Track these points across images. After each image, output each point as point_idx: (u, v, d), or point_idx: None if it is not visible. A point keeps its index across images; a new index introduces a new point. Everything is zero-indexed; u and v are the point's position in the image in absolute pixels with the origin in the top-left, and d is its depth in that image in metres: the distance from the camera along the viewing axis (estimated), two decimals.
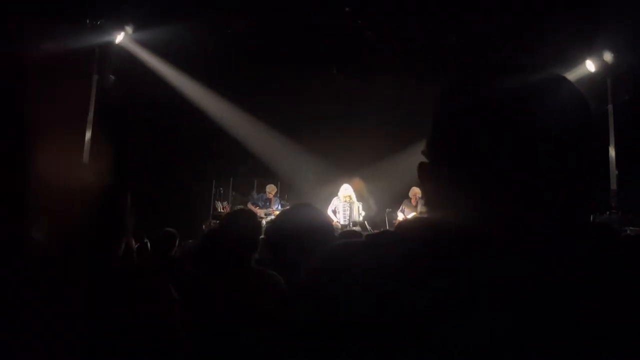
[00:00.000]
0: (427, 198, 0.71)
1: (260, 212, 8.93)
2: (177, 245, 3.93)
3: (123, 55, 8.49)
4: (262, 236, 2.56)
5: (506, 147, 0.61)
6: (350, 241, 0.71)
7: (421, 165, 0.71)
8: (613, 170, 7.94)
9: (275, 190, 9.36)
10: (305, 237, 1.60)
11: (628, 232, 6.73)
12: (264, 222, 8.82)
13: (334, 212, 8.71)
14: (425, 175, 0.70)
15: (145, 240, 4.00)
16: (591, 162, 0.64)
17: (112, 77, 8.37)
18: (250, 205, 9.09)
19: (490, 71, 0.69)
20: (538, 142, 0.61)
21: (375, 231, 8.74)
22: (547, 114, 0.62)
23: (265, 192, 9.39)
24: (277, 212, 9.06)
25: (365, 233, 7.62)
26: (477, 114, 0.64)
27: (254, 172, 10.19)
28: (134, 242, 3.09)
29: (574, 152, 0.62)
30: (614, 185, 7.87)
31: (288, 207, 2.01)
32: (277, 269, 1.98)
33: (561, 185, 0.61)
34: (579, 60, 8.24)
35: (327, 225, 1.77)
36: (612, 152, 8.00)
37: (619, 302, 0.57)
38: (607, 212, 7.26)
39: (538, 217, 0.61)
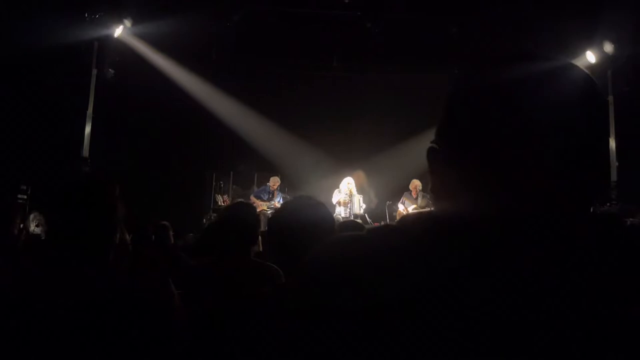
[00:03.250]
0: (433, 184, 0.71)
1: (263, 205, 8.89)
2: (172, 237, 3.91)
3: (122, 49, 8.46)
4: (262, 229, 2.57)
5: (509, 137, 0.61)
6: (351, 234, 0.72)
7: (430, 151, 0.71)
8: (613, 162, 7.92)
9: (279, 182, 9.28)
10: (307, 229, 1.60)
11: (628, 223, 6.74)
12: (268, 213, 8.83)
13: (338, 204, 8.73)
14: (433, 161, 0.70)
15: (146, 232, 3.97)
16: (599, 153, 0.64)
17: (111, 70, 8.35)
18: (253, 198, 9.06)
19: (500, 60, 0.69)
20: (542, 133, 0.60)
21: (376, 224, 8.79)
22: (554, 104, 0.62)
23: (267, 184, 9.34)
24: (279, 205, 9.06)
25: (367, 227, 7.63)
26: (483, 102, 0.64)
27: (254, 165, 10.18)
28: (127, 236, 3.09)
29: (581, 142, 0.62)
30: (614, 176, 7.86)
31: (290, 200, 2.03)
32: (278, 261, 1.98)
33: (566, 176, 0.61)
34: (579, 51, 8.21)
35: (329, 218, 1.77)
36: (612, 144, 7.98)
37: (621, 296, 0.57)
38: (607, 204, 7.27)
39: (538, 209, 0.61)
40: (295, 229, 1.62)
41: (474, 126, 0.64)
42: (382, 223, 9.04)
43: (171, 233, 3.84)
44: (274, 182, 9.22)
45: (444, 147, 0.69)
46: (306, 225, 1.62)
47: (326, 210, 1.79)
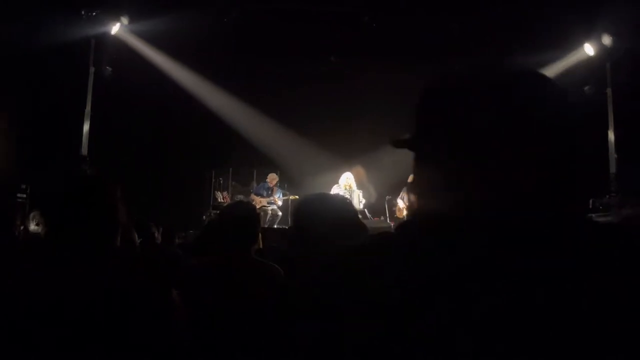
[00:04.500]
0: (420, 189, 0.73)
1: (263, 201, 8.96)
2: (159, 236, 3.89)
3: (119, 46, 8.44)
4: (262, 225, 2.57)
5: (497, 138, 0.63)
6: (352, 245, 0.73)
7: (415, 157, 0.73)
8: (612, 154, 7.93)
9: (277, 179, 9.38)
10: (333, 221, 1.63)
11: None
12: (268, 210, 8.87)
13: None
14: (418, 168, 0.72)
15: (154, 231, 3.95)
16: (571, 153, 0.65)
17: (108, 68, 8.33)
18: (253, 196, 9.11)
19: (486, 66, 0.72)
20: (526, 135, 0.63)
21: (376, 219, 8.77)
22: (528, 107, 0.64)
23: (265, 181, 9.40)
24: (280, 201, 9.12)
25: (366, 221, 7.65)
26: (461, 107, 0.66)
27: (254, 162, 10.18)
28: (136, 236, 3.09)
29: (565, 143, 0.64)
30: (613, 168, 7.87)
31: (316, 193, 2.05)
32: (302, 252, 1.98)
33: (553, 176, 0.63)
34: (577, 44, 8.21)
35: (354, 212, 1.81)
36: (611, 136, 7.99)
37: (615, 296, 0.57)
38: (607, 196, 7.28)
39: (528, 208, 0.62)
40: (322, 221, 1.65)
41: (462, 129, 0.66)
42: (382, 218, 9.08)
43: (156, 233, 3.82)
44: (272, 178, 9.32)
45: (426, 152, 0.71)
46: (333, 218, 1.65)
47: (351, 205, 1.82)
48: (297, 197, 8.99)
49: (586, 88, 8.28)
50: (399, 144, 0.76)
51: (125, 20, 8.20)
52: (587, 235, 0.63)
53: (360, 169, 9.39)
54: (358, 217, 1.83)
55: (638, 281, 0.58)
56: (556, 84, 0.69)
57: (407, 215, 8.43)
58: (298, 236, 1.72)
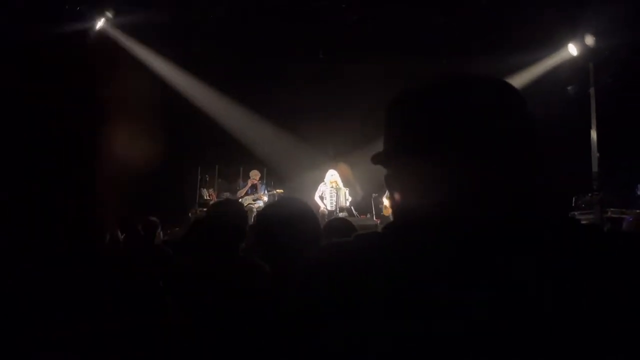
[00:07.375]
0: (398, 204, 0.74)
1: (248, 199, 9.00)
2: (161, 233, 3.87)
3: (104, 41, 8.34)
4: (250, 224, 2.57)
5: (483, 139, 0.66)
6: (340, 244, 0.73)
7: (388, 177, 0.75)
8: (594, 153, 8.03)
9: (259, 175, 9.44)
10: (292, 226, 1.64)
11: (609, 213, 6.85)
12: (254, 207, 8.88)
13: (321, 198, 8.74)
14: (393, 183, 0.74)
15: (137, 227, 3.91)
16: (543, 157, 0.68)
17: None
18: (239, 194, 9.16)
19: (445, 81, 0.75)
20: (488, 136, 0.66)
21: (362, 216, 8.78)
22: (494, 113, 0.68)
23: (249, 178, 9.45)
24: (265, 197, 9.17)
25: (353, 219, 7.66)
26: (436, 117, 0.69)
27: (240, 159, 10.14)
28: (119, 233, 3.07)
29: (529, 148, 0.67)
30: (595, 167, 7.98)
31: (274, 200, 2.05)
32: (265, 258, 2.00)
33: (526, 179, 0.66)
34: (561, 44, 8.31)
35: (312, 216, 1.80)
36: (594, 135, 8.09)
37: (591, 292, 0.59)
38: (589, 194, 7.37)
39: (511, 205, 0.64)
40: (281, 227, 1.66)
41: (439, 135, 0.68)
42: (368, 215, 9.10)
43: (160, 230, 3.80)
44: (255, 175, 9.42)
45: (403, 162, 0.72)
46: (291, 222, 1.66)
47: (309, 208, 1.82)
48: (282, 190, 9.05)
49: (569, 88, 8.39)
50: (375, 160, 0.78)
51: (109, 14, 8.12)
52: (583, 236, 0.64)
53: (344, 167, 9.41)
54: (315, 218, 1.84)
55: (636, 281, 0.59)
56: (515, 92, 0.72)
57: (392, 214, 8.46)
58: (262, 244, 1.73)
